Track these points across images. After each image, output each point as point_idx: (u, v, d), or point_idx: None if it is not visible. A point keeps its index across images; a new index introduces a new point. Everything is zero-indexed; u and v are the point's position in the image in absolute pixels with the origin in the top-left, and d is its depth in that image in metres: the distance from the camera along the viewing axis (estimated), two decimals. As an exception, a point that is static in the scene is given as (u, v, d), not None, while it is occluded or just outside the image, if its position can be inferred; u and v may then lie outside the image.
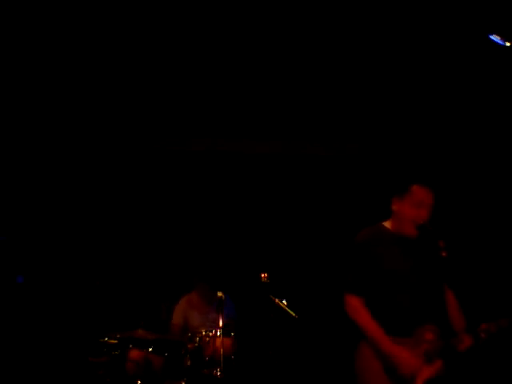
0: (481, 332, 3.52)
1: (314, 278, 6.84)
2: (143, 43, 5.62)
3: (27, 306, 6.51)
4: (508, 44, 5.12)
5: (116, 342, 5.51)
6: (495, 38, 5.09)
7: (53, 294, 6.61)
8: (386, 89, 6.27)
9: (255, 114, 6.71)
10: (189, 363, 5.42)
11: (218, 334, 5.41)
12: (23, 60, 5.74)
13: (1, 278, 6.57)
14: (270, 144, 7.23)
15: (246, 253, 6.90)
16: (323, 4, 5.07)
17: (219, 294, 5.56)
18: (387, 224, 3.83)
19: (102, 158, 6.98)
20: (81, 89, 6.22)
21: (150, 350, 5.47)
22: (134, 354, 5.45)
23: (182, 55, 5.79)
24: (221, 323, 5.43)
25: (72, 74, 5.99)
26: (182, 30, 5.42)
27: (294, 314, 5.66)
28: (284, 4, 5.09)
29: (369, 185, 6.90)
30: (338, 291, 3.74)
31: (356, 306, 3.64)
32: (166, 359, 5.54)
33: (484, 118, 6.37)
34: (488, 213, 6.55)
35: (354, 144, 7.21)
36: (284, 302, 5.72)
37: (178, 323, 6.08)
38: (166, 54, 5.78)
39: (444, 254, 3.49)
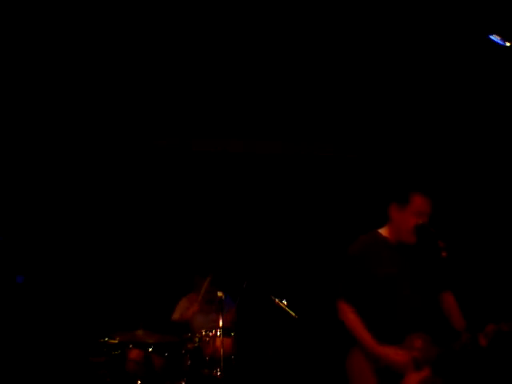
0: (481, 335, 3.50)
1: (314, 279, 6.83)
2: (150, 47, 5.63)
3: (27, 306, 6.51)
4: (508, 44, 5.12)
5: (116, 341, 5.52)
6: (495, 38, 5.09)
7: (53, 294, 6.61)
8: (389, 93, 6.26)
9: (255, 114, 6.70)
10: (189, 363, 5.42)
11: (218, 334, 5.42)
12: (23, 59, 5.73)
13: (1, 278, 6.57)
14: (269, 144, 7.24)
15: (246, 253, 6.89)
16: (326, 6, 5.08)
17: (219, 293, 5.56)
18: (384, 231, 3.84)
19: (99, 156, 6.98)
20: (83, 88, 6.22)
21: (150, 350, 5.47)
22: (134, 353, 5.46)
23: (185, 56, 5.80)
24: (221, 323, 5.43)
25: (76, 75, 6.00)
26: (185, 31, 5.42)
27: (293, 314, 5.66)
28: (288, 6, 5.10)
29: (370, 188, 6.89)
30: (333, 296, 3.81)
31: (346, 312, 3.72)
32: (166, 359, 5.55)
33: (484, 118, 6.36)
34: (488, 213, 6.55)
35: (356, 147, 7.21)
36: (284, 302, 5.72)
37: (176, 320, 6.08)
38: (168, 56, 5.79)
39: (444, 255, 3.49)
